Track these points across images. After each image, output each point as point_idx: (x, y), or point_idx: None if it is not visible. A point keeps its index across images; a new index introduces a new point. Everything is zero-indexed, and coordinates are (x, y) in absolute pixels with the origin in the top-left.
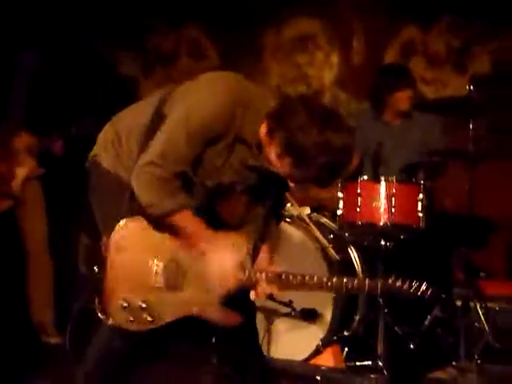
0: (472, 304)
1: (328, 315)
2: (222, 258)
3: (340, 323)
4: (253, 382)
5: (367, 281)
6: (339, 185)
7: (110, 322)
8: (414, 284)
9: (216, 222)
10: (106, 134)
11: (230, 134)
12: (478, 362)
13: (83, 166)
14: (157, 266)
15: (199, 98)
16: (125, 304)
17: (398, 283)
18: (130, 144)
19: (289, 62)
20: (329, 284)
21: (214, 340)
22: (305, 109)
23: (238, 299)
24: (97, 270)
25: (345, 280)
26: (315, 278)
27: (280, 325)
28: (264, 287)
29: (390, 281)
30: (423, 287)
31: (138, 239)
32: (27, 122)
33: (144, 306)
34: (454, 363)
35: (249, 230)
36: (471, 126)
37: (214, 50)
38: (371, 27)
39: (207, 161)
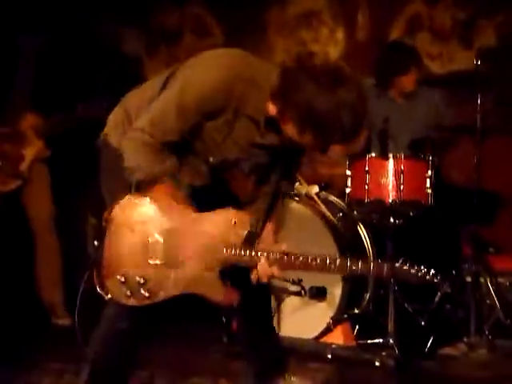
0: (482, 280)
1: (338, 293)
2: (218, 219)
3: (350, 301)
4: (266, 358)
5: (372, 264)
6: (347, 162)
7: (108, 296)
8: (423, 269)
9: (228, 199)
10: (115, 115)
11: (228, 109)
12: (489, 337)
13: (90, 146)
14: (156, 241)
15: (197, 71)
16: (122, 279)
17: (406, 267)
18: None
19: (294, 39)
20: (332, 266)
21: (224, 319)
22: (308, 78)
23: (246, 277)
24: (97, 244)
25: (349, 263)
26: (318, 260)
27: (290, 303)
28: (265, 268)
29: (397, 264)
30: (431, 273)
31: (138, 214)
32: (34, 103)
33: (142, 281)
34: (464, 339)
35: (258, 208)
36: (479, 101)
37: (219, 28)
38: (376, 2)
39: (207, 136)
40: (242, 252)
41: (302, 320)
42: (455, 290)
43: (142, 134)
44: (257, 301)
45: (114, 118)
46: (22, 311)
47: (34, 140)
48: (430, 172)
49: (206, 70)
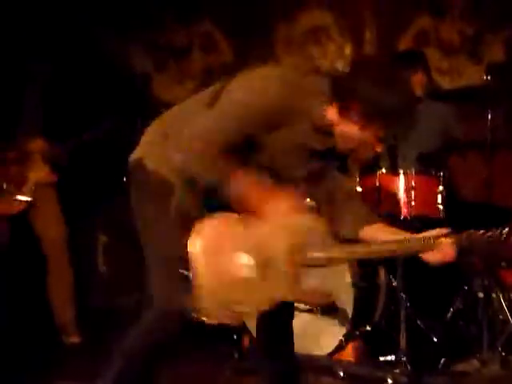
0: (494, 295)
1: (349, 310)
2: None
3: (361, 317)
4: (282, 373)
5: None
6: (357, 179)
7: (208, 320)
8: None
9: None
10: (150, 136)
11: (289, 121)
12: (502, 353)
13: (99, 168)
14: (242, 259)
15: (257, 86)
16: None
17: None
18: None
19: (302, 55)
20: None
21: (235, 336)
22: (364, 75)
23: None
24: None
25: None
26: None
27: (300, 321)
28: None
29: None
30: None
31: (220, 236)
32: (43, 127)
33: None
34: (477, 355)
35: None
36: (489, 116)
37: (227, 44)
38: (383, 17)
39: (269, 145)
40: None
41: (315, 337)
42: (467, 305)
43: (195, 141)
44: (281, 312)
45: (150, 139)
46: (34, 330)
47: (40, 164)
48: (441, 187)
49: (267, 86)
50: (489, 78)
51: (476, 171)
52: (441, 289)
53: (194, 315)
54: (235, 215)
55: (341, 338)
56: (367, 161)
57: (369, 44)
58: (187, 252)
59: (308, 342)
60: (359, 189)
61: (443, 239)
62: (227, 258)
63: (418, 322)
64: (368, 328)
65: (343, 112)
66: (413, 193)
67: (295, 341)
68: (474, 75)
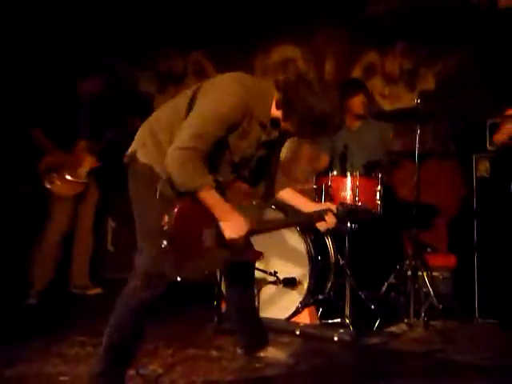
0: (420, 273)
1: (305, 283)
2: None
3: (315, 289)
4: (252, 333)
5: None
6: (313, 179)
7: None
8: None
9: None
10: (141, 133)
11: (246, 119)
12: (425, 319)
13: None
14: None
15: (223, 91)
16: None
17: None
18: (165, 136)
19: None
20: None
21: (215, 303)
22: (305, 88)
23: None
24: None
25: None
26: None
27: (267, 291)
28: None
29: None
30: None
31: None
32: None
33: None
34: (405, 320)
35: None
36: (418, 132)
37: (215, 70)
38: (339, 53)
39: (231, 143)
40: None
41: (277, 304)
42: (399, 281)
43: (185, 151)
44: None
45: (141, 134)
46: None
47: (88, 156)
48: (379, 187)
49: (230, 91)
50: (419, 102)
51: (408, 175)
52: (379, 267)
53: (171, 276)
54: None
55: (298, 304)
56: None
57: (328, 73)
58: (167, 225)
59: (272, 307)
60: (315, 187)
61: (329, 211)
62: (197, 225)
63: (360, 293)
64: (320, 297)
65: (285, 118)
66: (357, 190)
67: (262, 307)
68: (409, 100)
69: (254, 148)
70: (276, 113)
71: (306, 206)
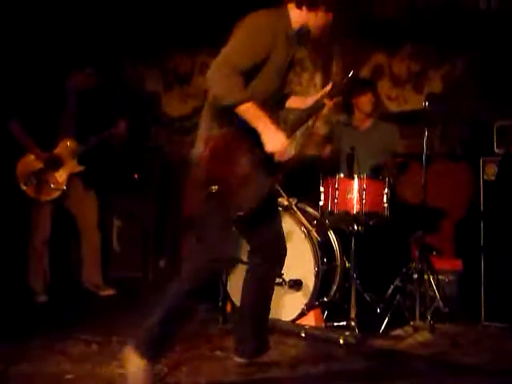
0: (426, 276)
1: (311, 285)
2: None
3: (320, 291)
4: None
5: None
6: (321, 181)
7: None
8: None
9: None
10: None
11: (276, 39)
12: (430, 322)
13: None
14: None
15: (249, 24)
16: None
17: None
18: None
19: None
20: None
21: (220, 304)
22: None
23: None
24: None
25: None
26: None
27: (274, 293)
28: None
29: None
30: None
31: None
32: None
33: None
34: (411, 323)
35: None
36: (426, 134)
37: None
38: (347, 54)
39: (264, 75)
40: None
41: (283, 306)
42: (404, 283)
43: (224, 68)
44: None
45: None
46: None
47: (69, 160)
48: (386, 190)
49: (252, 20)
50: (427, 104)
51: (415, 178)
52: (385, 270)
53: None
54: None
55: (303, 306)
56: None
57: (335, 74)
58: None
59: (277, 309)
60: (321, 189)
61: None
62: (232, 158)
63: (365, 295)
64: (325, 299)
65: (310, 10)
66: (364, 193)
67: None
68: (416, 102)
69: (281, 79)
70: (298, 18)
71: (305, 102)
